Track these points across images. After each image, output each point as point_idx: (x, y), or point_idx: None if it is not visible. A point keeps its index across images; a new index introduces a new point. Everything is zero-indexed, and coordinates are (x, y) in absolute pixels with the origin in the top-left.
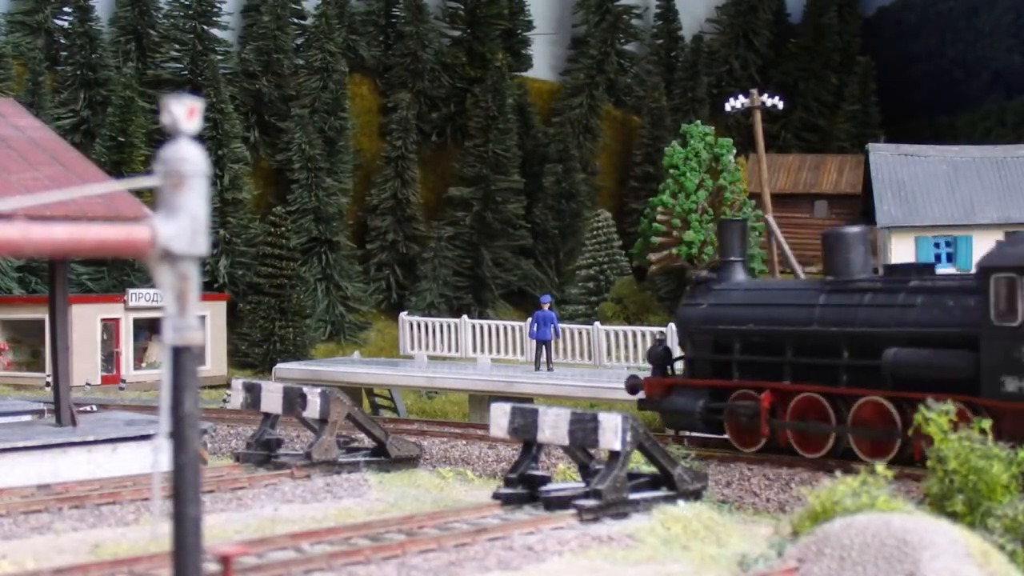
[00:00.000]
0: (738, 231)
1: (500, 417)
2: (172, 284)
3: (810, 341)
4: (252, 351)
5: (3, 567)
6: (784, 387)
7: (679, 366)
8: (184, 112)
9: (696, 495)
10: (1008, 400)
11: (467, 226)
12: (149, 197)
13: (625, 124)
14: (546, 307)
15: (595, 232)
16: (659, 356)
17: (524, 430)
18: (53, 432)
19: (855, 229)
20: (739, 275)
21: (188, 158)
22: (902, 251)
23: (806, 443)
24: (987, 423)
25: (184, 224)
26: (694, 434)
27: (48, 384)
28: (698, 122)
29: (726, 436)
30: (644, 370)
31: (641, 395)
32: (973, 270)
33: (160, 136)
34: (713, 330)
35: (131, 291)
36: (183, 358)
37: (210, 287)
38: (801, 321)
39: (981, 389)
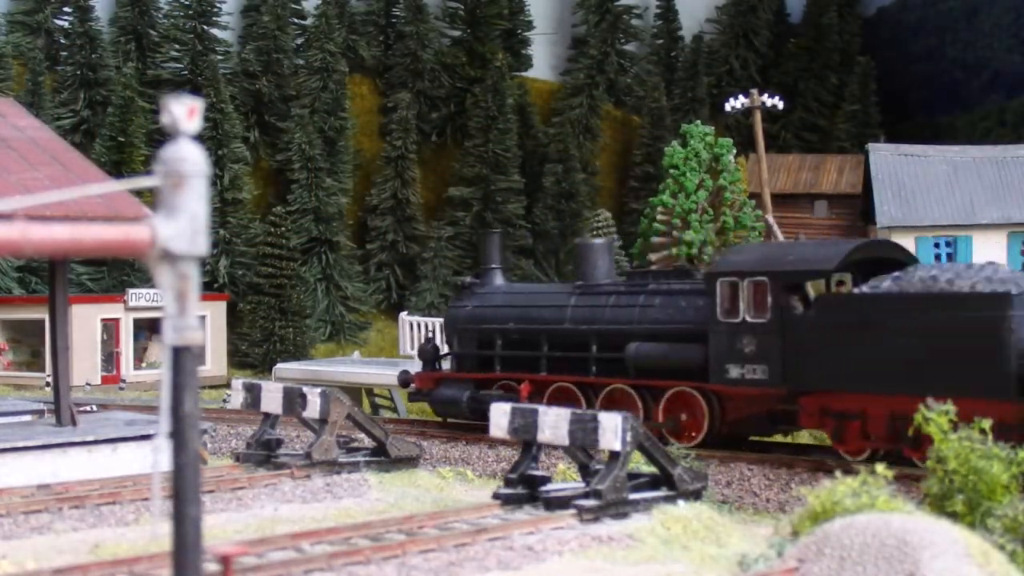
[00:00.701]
0: (496, 241)
1: (500, 417)
2: (172, 284)
3: (563, 337)
4: (252, 351)
5: (3, 567)
6: (541, 378)
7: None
8: (184, 112)
9: (696, 495)
10: (731, 385)
11: (467, 226)
12: (149, 197)
13: (625, 124)
14: None
15: (595, 232)
16: (428, 353)
17: (524, 430)
18: (53, 432)
19: (600, 241)
20: (498, 280)
21: (188, 158)
22: None
23: None
24: (987, 423)
25: (184, 224)
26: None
27: (48, 384)
28: (698, 122)
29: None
30: None
31: (413, 388)
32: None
33: (160, 136)
34: (477, 328)
35: (131, 291)
36: (183, 358)
37: (210, 287)
38: (555, 320)
39: (710, 376)
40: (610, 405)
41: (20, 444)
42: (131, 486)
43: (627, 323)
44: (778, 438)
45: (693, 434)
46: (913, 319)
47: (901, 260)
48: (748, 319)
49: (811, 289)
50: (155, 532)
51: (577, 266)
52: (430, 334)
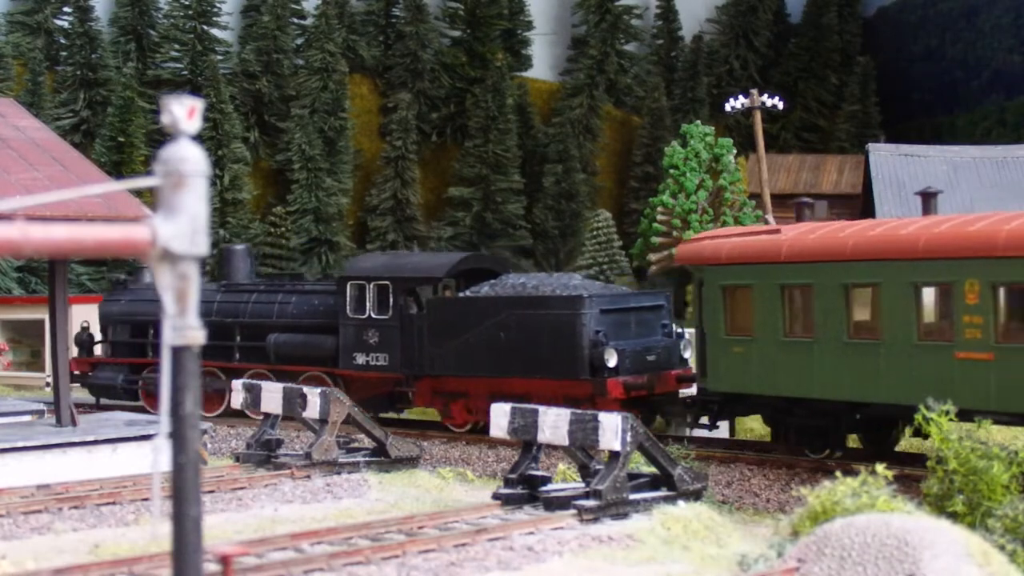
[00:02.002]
0: None
1: (500, 417)
2: (172, 284)
3: (210, 328)
4: None
5: (3, 567)
6: None
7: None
8: (184, 112)
9: (696, 495)
10: (357, 370)
11: (467, 226)
12: (149, 197)
13: (625, 124)
14: None
15: (595, 232)
16: (84, 340)
17: (524, 430)
18: (53, 432)
19: (241, 246)
20: (148, 278)
21: (188, 158)
22: None
23: (205, 405)
24: (988, 423)
25: (184, 224)
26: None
27: (48, 384)
28: (698, 122)
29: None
30: None
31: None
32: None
33: (160, 136)
34: (131, 320)
35: None
36: (183, 358)
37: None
38: (203, 313)
39: (339, 363)
40: None
41: (20, 444)
42: (131, 486)
43: (267, 317)
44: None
45: None
46: (507, 316)
47: (497, 270)
48: (373, 316)
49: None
50: (155, 532)
51: (221, 267)
52: (85, 323)
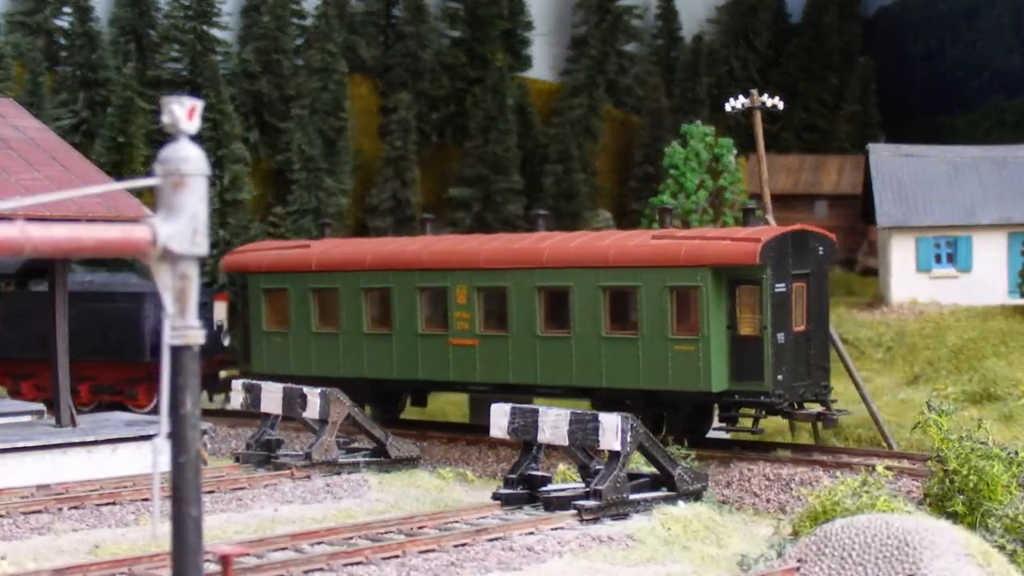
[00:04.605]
0: None
1: (500, 418)
2: (172, 284)
3: None
4: None
5: (3, 567)
6: None
7: None
8: (184, 112)
9: (696, 495)
10: None
11: (467, 226)
12: (149, 197)
13: (625, 124)
14: None
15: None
16: None
17: (524, 430)
18: (53, 432)
19: None
20: None
21: (188, 158)
22: (902, 252)
23: None
24: (987, 424)
25: (184, 224)
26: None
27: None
28: (698, 122)
29: None
30: None
31: None
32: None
33: (160, 136)
34: None
35: None
36: (183, 358)
37: (210, 287)
38: None
39: None
40: None
41: (20, 444)
42: (131, 486)
43: None
44: (777, 438)
45: None
46: (78, 308)
47: (57, 269)
48: None
49: None
50: (155, 532)
51: None
52: None
